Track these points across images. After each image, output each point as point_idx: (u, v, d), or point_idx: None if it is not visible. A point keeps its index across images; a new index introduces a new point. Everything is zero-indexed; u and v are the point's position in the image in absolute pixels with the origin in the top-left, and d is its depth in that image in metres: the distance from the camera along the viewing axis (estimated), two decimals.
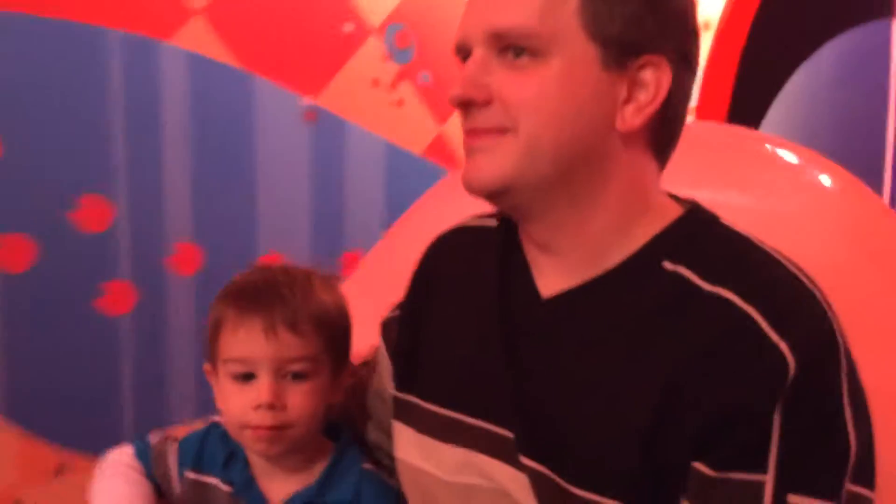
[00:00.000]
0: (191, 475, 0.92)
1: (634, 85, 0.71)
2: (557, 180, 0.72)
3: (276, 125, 1.64)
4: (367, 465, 0.90)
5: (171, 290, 1.52)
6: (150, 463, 0.93)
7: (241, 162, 1.60)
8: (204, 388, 0.89)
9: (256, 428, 0.85)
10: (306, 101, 1.68)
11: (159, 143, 1.50)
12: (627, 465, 0.68)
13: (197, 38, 1.52)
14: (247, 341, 0.85)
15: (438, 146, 1.86)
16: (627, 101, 0.71)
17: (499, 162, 0.71)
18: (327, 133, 1.71)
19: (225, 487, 0.91)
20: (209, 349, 0.88)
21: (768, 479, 0.64)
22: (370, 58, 1.75)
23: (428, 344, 0.87)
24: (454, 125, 1.88)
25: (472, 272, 0.84)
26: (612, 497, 0.69)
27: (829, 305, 0.69)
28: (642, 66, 0.71)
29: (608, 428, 0.70)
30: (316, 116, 1.69)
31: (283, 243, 1.66)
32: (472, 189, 0.74)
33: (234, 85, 1.58)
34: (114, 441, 0.93)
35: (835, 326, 0.67)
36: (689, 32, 0.75)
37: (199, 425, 0.95)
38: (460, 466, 0.79)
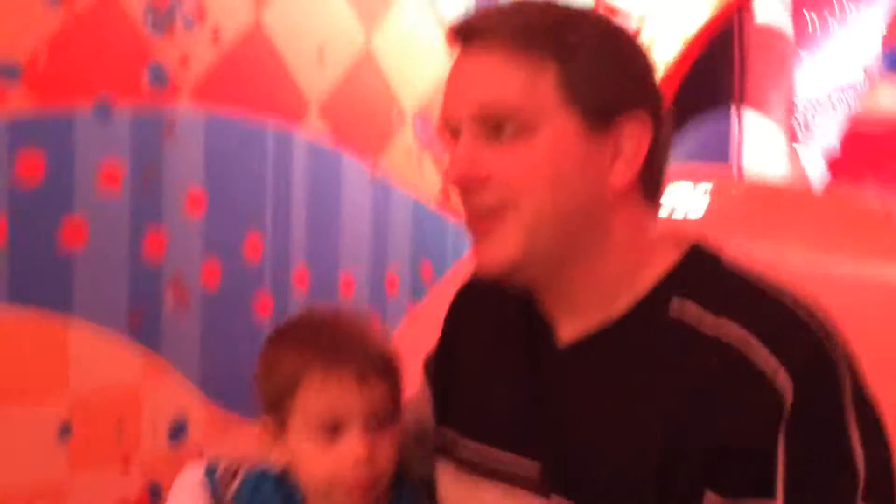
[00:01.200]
0: None
1: (619, 142, 0.73)
2: (562, 248, 0.74)
3: (353, 183, 2.32)
4: None
5: (294, 300, 2.16)
6: (215, 490, 0.94)
7: (334, 211, 2.27)
8: None
9: (353, 485, 0.82)
10: (369, 168, 2.37)
11: (291, 199, 2.14)
12: (644, 499, 0.70)
13: (314, 127, 2.18)
14: (340, 394, 0.81)
15: (444, 197, 2.62)
16: (615, 158, 0.73)
17: (505, 244, 0.73)
18: (380, 191, 2.41)
19: None
20: (276, 404, 0.85)
21: None
22: (406, 136, 2.47)
23: (461, 384, 0.88)
24: None
25: (499, 316, 0.86)
26: None
27: (834, 331, 0.69)
28: (623, 124, 0.73)
29: (622, 465, 0.71)
30: (375, 178, 2.39)
31: (353, 265, 2.33)
32: (485, 274, 0.77)
33: (331, 160, 2.24)
34: None
35: (836, 352, 0.67)
36: (656, 86, 0.77)
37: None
38: (498, 501, 0.80)
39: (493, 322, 0.86)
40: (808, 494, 0.64)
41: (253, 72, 2.00)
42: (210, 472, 0.95)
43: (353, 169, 2.31)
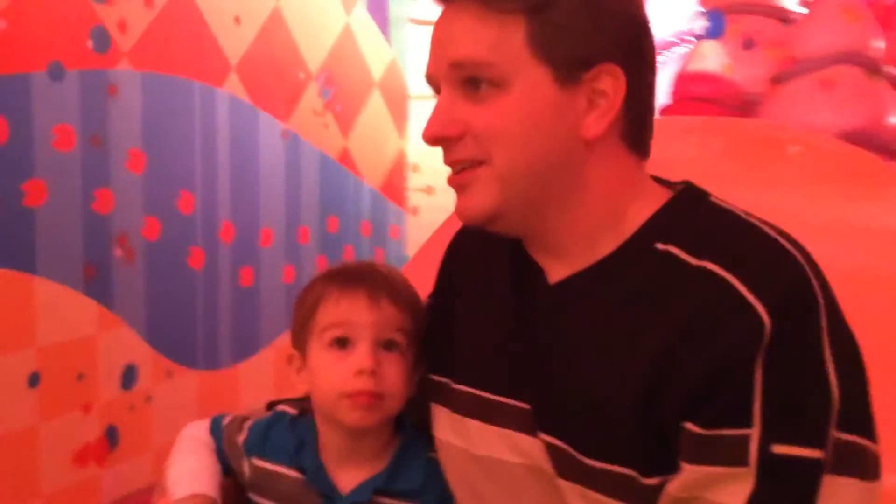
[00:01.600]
0: (257, 462, 0.93)
1: (593, 94, 0.73)
2: (539, 197, 0.75)
3: (269, 140, 2.46)
4: (433, 454, 0.90)
5: (222, 252, 2.30)
6: (221, 442, 0.96)
7: (254, 168, 2.41)
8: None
9: (356, 395, 0.85)
10: (282, 124, 2.52)
11: (217, 158, 2.26)
12: (628, 434, 0.70)
13: (233, 86, 2.30)
14: (350, 307, 0.86)
15: (345, 154, 2.81)
16: (589, 110, 0.73)
17: (482, 195, 0.75)
18: (292, 146, 2.56)
19: (294, 475, 0.91)
20: (301, 331, 0.89)
21: (754, 433, 0.65)
22: (312, 95, 2.63)
23: (455, 329, 0.89)
24: (354, 140, 2.83)
25: (491, 262, 0.87)
26: (621, 464, 0.71)
27: (813, 266, 0.70)
28: (596, 76, 0.73)
29: (609, 400, 0.71)
30: (287, 135, 2.54)
31: (271, 219, 2.49)
32: (466, 222, 0.80)
33: (250, 115, 2.37)
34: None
35: (813, 284, 0.68)
36: (636, 30, 0.76)
37: (265, 412, 0.98)
38: (490, 441, 0.82)
39: (487, 268, 0.88)
40: (783, 423, 0.65)
41: (180, 35, 2.10)
42: (215, 425, 0.98)
43: (268, 126, 2.45)
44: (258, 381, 2.44)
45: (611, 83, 0.73)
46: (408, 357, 0.89)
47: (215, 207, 2.27)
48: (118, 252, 1.96)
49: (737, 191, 0.82)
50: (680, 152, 1.20)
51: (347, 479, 0.90)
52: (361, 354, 0.85)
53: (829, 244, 0.77)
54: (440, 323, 0.91)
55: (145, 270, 2.05)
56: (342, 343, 0.87)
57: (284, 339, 2.53)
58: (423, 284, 0.98)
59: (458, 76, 0.74)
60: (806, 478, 0.65)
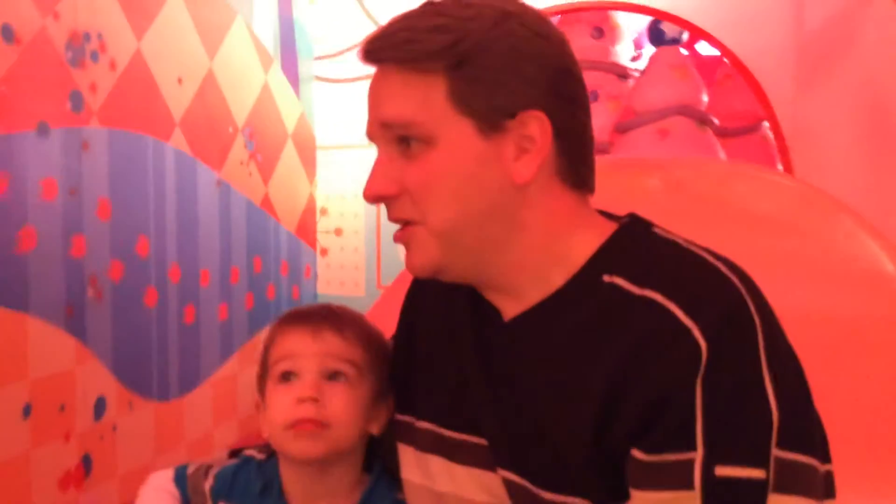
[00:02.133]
0: None
1: (520, 140, 0.75)
2: (480, 245, 0.77)
3: (206, 188, 2.69)
4: (401, 496, 0.90)
5: (170, 292, 2.50)
6: (186, 490, 0.97)
7: (194, 215, 2.63)
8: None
9: (298, 422, 0.86)
10: (216, 174, 2.76)
11: (165, 202, 2.47)
12: (582, 464, 0.72)
13: (178, 140, 2.53)
14: (294, 341, 0.89)
15: (266, 200, 3.07)
16: (518, 156, 0.75)
17: (423, 252, 0.78)
18: (224, 193, 2.80)
19: None
20: (261, 376, 0.92)
21: (697, 456, 0.66)
22: (239, 146, 2.89)
23: (418, 368, 0.91)
24: (273, 187, 3.10)
25: (449, 303, 0.88)
26: (576, 496, 0.73)
27: (752, 289, 0.72)
28: (521, 123, 0.75)
29: (562, 432, 0.73)
30: (220, 183, 2.78)
31: (209, 262, 2.71)
32: (415, 276, 0.84)
33: (191, 166, 2.60)
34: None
35: (749, 306, 0.70)
36: (559, 74, 0.77)
37: (231, 460, 1.00)
38: (456, 479, 0.83)
39: (446, 309, 0.89)
40: (724, 444, 0.66)
41: (137, 94, 2.32)
42: (179, 474, 1.01)
43: (205, 176, 2.69)
44: (200, 413, 2.63)
45: (537, 128, 0.75)
46: (359, 389, 0.90)
47: (165, 250, 2.48)
48: (90, 292, 2.14)
49: (685, 226, 0.84)
50: (633, 188, 1.36)
51: None
52: (303, 384, 0.87)
53: (776, 278, 0.80)
54: (403, 364, 0.93)
55: (112, 309, 2.23)
56: (287, 376, 0.90)
57: (219, 373, 2.74)
58: (389, 327, 1.00)
59: (389, 135, 0.78)
60: (751, 498, 0.67)
